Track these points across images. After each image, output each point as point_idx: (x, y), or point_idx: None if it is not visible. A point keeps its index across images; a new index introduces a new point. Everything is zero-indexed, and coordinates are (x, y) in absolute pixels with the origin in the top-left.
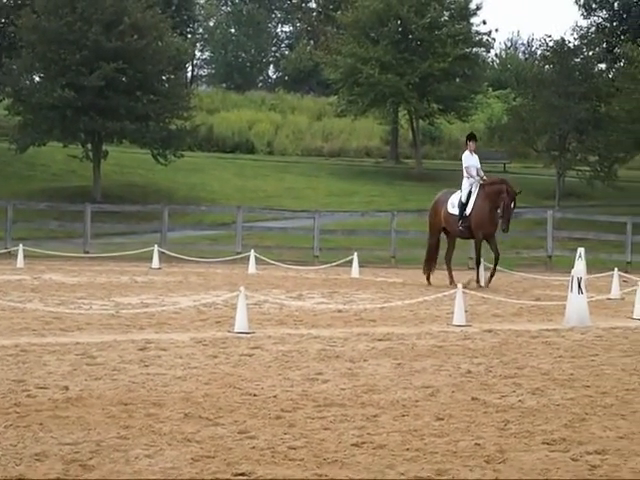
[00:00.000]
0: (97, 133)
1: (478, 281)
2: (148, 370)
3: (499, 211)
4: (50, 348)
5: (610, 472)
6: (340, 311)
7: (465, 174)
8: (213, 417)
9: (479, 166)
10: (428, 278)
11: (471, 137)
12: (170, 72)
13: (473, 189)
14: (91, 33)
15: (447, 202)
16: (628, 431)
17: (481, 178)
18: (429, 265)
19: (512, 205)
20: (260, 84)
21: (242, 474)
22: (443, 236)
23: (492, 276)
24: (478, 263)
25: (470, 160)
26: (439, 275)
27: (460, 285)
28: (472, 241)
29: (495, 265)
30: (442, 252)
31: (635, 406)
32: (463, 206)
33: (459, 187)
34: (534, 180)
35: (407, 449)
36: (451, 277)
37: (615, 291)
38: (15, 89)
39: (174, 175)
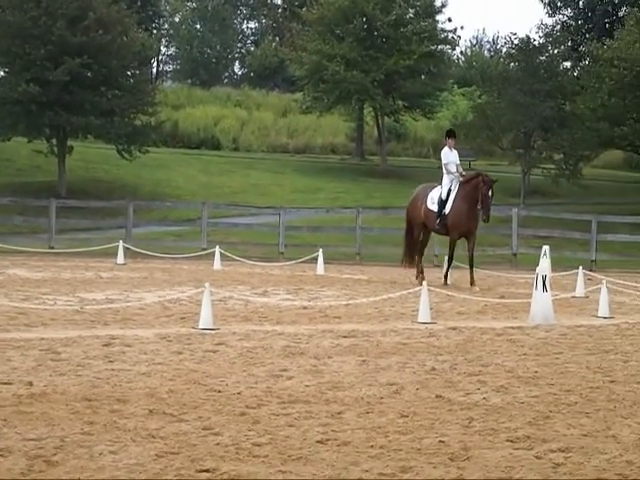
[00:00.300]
0: (62, 128)
1: (445, 279)
2: (112, 366)
3: (478, 205)
4: (14, 343)
5: (574, 470)
6: (305, 308)
7: (444, 170)
8: (177, 413)
9: (458, 162)
10: (419, 274)
11: (450, 133)
12: (135, 67)
13: (453, 186)
14: (56, 28)
15: (427, 197)
16: (592, 429)
17: (460, 174)
18: (410, 258)
19: (490, 193)
20: (225, 80)
21: (206, 470)
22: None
23: (473, 279)
24: (450, 262)
25: (449, 156)
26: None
27: (424, 282)
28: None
29: (471, 267)
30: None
31: (599, 404)
32: (442, 203)
33: (432, 182)
34: (499, 178)
35: (371, 446)
36: (418, 271)
37: (580, 289)
38: None
39: (139, 171)
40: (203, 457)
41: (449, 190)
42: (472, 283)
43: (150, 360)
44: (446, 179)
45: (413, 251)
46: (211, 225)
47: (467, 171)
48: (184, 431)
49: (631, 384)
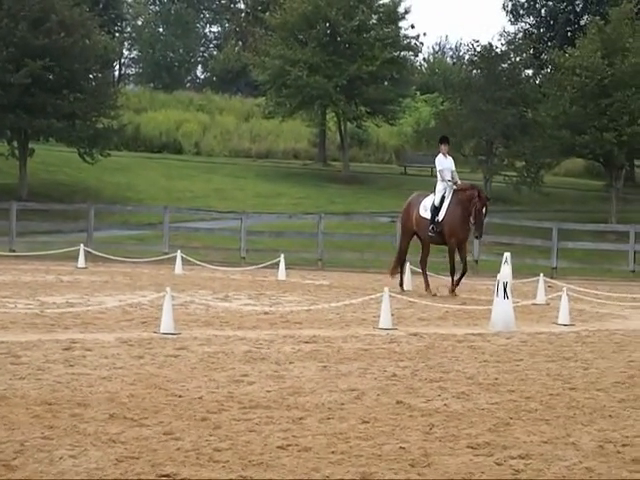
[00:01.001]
0: (23, 131)
1: (453, 289)
2: (73, 370)
3: (471, 218)
4: None
5: (534, 476)
6: (266, 313)
7: (439, 177)
8: (138, 418)
9: (454, 169)
10: (401, 283)
11: (443, 140)
12: (97, 70)
13: (447, 193)
14: (18, 30)
15: (419, 205)
16: (552, 436)
17: (454, 183)
18: (395, 268)
19: (483, 210)
20: (188, 84)
21: (167, 475)
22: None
23: (457, 285)
24: (452, 271)
25: (443, 163)
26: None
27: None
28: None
29: (462, 276)
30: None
31: (559, 411)
32: (436, 210)
33: (424, 191)
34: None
35: (332, 452)
36: (427, 283)
37: (540, 296)
38: None
39: (101, 174)
40: (163, 462)
41: (442, 197)
42: (453, 290)
43: (111, 364)
44: (440, 186)
45: (400, 260)
46: (173, 229)
47: (429, 177)
48: (145, 436)
49: (591, 391)
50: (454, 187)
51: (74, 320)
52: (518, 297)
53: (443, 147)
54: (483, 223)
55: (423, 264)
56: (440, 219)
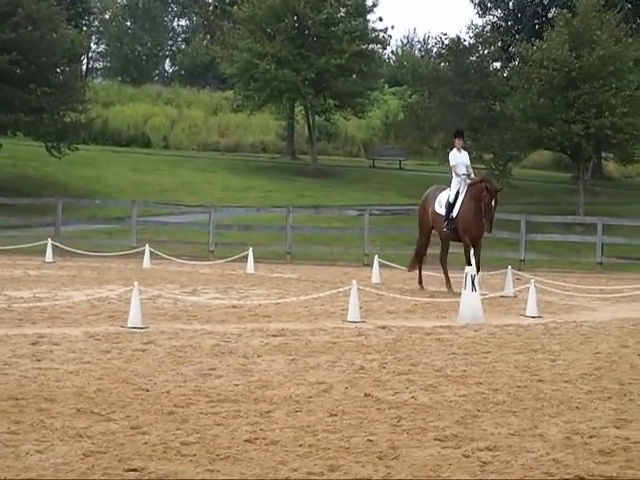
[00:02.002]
0: None
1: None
2: (40, 365)
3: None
4: None
5: (501, 468)
6: (234, 307)
7: (453, 173)
8: (105, 412)
9: (468, 163)
10: (420, 281)
11: (457, 134)
12: (65, 64)
13: (461, 189)
14: None
15: (435, 200)
16: (519, 428)
17: (468, 177)
18: (414, 265)
19: (492, 203)
20: (156, 78)
21: (134, 470)
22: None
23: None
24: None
25: (457, 158)
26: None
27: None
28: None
29: (477, 270)
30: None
31: (526, 403)
32: (450, 206)
33: (441, 185)
34: (430, 177)
35: (300, 445)
36: (447, 280)
37: (508, 289)
38: None
39: (69, 168)
40: (131, 456)
41: (457, 192)
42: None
43: (78, 359)
44: (454, 181)
45: (420, 257)
46: (141, 223)
47: (397, 170)
48: (112, 430)
49: (558, 383)
50: (468, 181)
51: (41, 314)
52: (486, 289)
53: (457, 141)
54: (493, 217)
55: (443, 261)
56: (454, 215)
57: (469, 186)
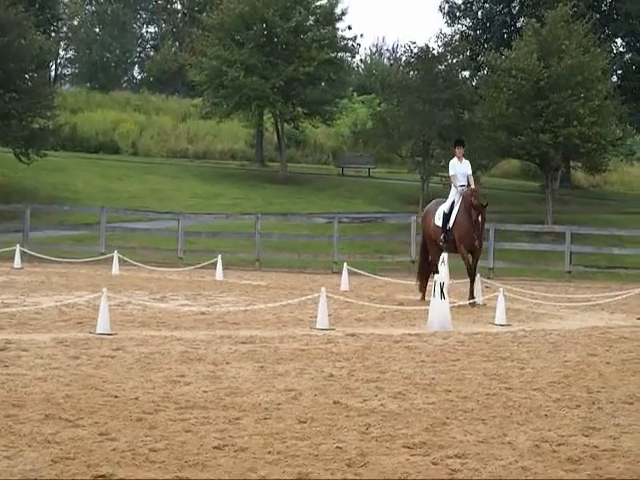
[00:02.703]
0: None
1: (472, 297)
2: (8, 370)
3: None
4: None
5: (470, 476)
6: (203, 313)
7: (452, 183)
8: (74, 418)
9: (469, 173)
10: (422, 295)
11: (457, 142)
12: (33, 70)
13: (456, 200)
14: None
15: (435, 213)
16: (488, 435)
17: (467, 187)
18: (421, 280)
19: (479, 219)
20: (125, 84)
21: (102, 476)
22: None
23: (470, 294)
24: (472, 279)
25: (456, 168)
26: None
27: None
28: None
29: (472, 281)
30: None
31: (495, 410)
32: (446, 217)
33: (442, 198)
34: (398, 185)
35: (269, 452)
36: (422, 290)
37: (478, 297)
38: None
39: (37, 175)
40: (99, 462)
41: (452, 203)
42: (471, 297)
43: (46, 365)
44: (452, 191)
45: (424, 269)
46: (109, 230)
47: (366, 178)
48: (80, 436)
49: (527, 391)
50: (462, 192)
51: (10, 320)
52: (455, 297)
53: (458, 150)
54: (480, 233)
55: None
56: (450, 226)
57: (463, 197)
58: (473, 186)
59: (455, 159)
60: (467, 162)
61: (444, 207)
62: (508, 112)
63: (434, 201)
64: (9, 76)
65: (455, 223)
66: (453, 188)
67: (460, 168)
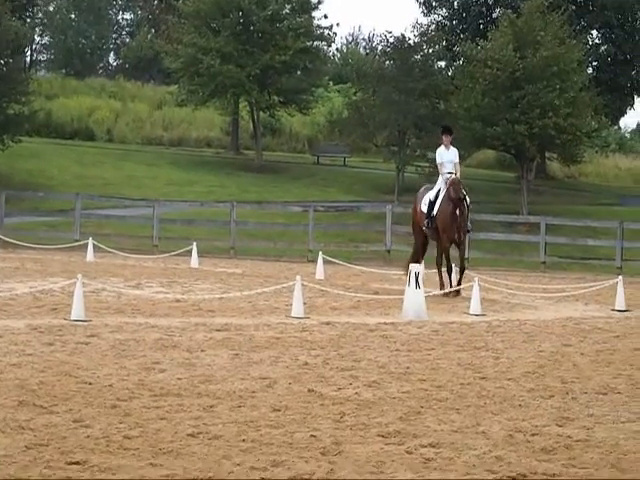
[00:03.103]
0: None
1: (450, 287)
2: None
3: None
4: None
5: (444, 465)
6: (178, 301)
7: (439, 171)
8: (48, 405)
9: (456, 161)
10: (442, 285)
11: (445, 130)
12: (8, 56)
13: (442, 188)
14: None
15: (422, 199)
16: (462, 424)
17: (454, 174)
18: (408, 264)
19: (457, 212)
20: (100, 71)
21: (76, 463)
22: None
23: (458, 284)
24: (449, 270)
25: (444, 155)
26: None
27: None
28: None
29: (461, 275)
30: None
31: (469, 400)
32: (431, 204)
33: (431, 184)
34: (374, 175)
35: (243, 440)
36: (441, 281)
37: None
38: None
39: (12, 161)
40: (73, 449)
41: (438, 191)
42: (457, 290)
43: (21, 351)
44: (439, 179)
45: (416, 257)
46: (84, 216)
47: (342, 167)
48: (54, 423)
49: (501, 381)
50: (447, 181)
51: None
52: (430, 287)
53: (445, 138)
54: (462, 226)
55: (438, 263)
56: (434, 214)
57: (447, 186)
58: (455, 175)
59: (442, 147)
60: (454, 150)
61: (430, 194)
62: (484, 103)
63: (424, 187)
64: None
65: (438, 212)
66: (441, 176)
67: (447, 156)
